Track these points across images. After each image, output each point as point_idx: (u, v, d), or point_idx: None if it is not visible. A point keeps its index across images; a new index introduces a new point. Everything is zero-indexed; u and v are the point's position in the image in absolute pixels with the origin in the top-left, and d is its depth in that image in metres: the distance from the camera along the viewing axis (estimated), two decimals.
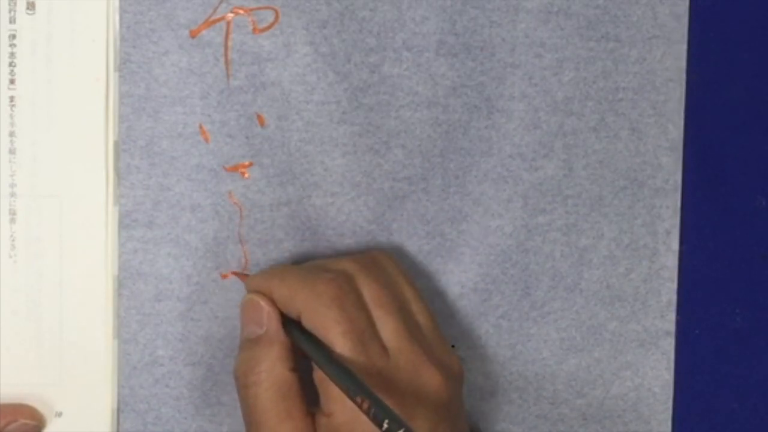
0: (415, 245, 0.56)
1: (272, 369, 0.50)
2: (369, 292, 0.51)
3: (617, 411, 0.58)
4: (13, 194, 0.52)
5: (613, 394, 0.58)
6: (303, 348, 0.50)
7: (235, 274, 0.54)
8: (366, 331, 0.50)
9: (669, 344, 0.59)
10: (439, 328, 0.53)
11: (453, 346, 0.57)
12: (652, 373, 0.58)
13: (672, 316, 0.59)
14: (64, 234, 0.53)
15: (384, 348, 0.50)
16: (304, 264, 0.54)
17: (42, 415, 0.53)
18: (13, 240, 0.53)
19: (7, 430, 0.52)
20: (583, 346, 0.58)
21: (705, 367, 0.59)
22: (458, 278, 0.57)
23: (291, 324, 0.50)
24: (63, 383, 0.53)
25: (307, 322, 0.50)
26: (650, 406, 0.59)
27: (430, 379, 0.50)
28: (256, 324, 0.51)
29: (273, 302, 0.51)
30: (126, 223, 0.53)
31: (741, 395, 0.60)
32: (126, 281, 0.53)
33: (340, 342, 0.49)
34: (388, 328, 0.50)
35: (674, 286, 0.58)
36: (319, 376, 0.49)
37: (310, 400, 0.50)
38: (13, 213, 0.52)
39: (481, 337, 0.57)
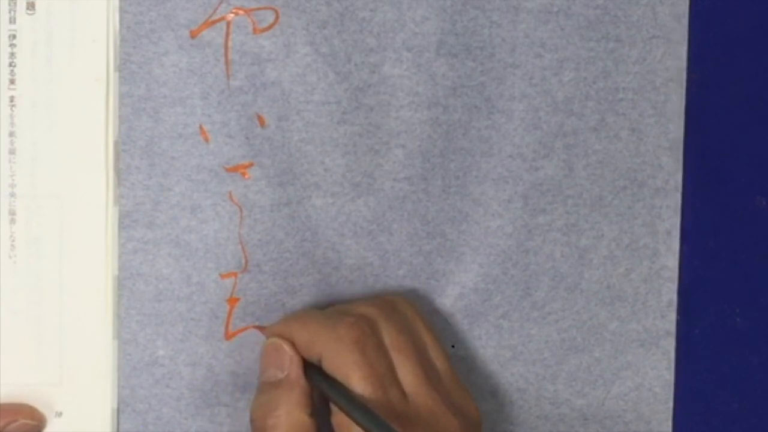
0: (415, 245, 0.56)
1: (291, 413, 0.50)
2: (389, 336, 0.51)
3: (618, 411, 0.58)
4: (13, 194, 0.52)
5: (614, 394, 0.58)
6: (323, 390, 0.50)
7: (256, 327, 0.54)
8: (386, 375, 0.50)
9: (669, 344, 0.59)
10: (457, 374, 0.53)
11: (453, 346, 0.57)
12: (653, 373, 0.58)
13: (672, 316, 0.59)
14: (64, 234, 0.53)
15: (403, 393, 0.50)
16: (325, 309, 0.54)
17: (42, 415, 0.53)
18: (13, 240, 0.52)
19: (7, 430, 0.52)
20: (583, 346, 0.58)
21: (705, 367, 0.59)
22: (458, 278, 0.57)
23: (311, 368, 0.51)
24: (63, 383, 0.53)
25: (328, 365, 0.50)
26: (651, 406, 0.58)
27: (448, 425, 0.51)
28: (278, 368, 0.51)
29: (295, 347, 0.51)
30: (126, 223, 0.53)
31: (741, 395, 0.60)
32: (126, 281, 0.53)
33: (361, 385, 0.49)
34: (407, 373, 0.51)
35: (674, 286, 0.58)
36: (337, 420, 0.50)
37: None
38: (13, 213, 0.52)
39: (481, 337, 0.57)
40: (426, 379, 0.51)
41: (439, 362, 0.53)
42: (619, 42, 0.57)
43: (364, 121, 0.55)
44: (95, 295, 0.53)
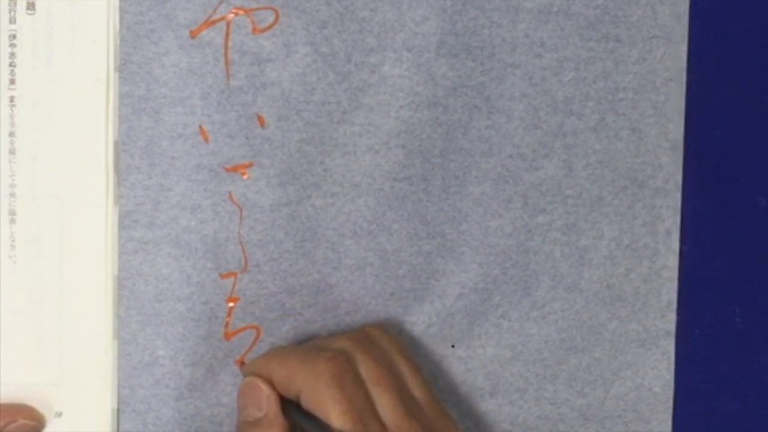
0: (415, 245, 0.56)
1: None
2: (367, 369, 0.51)
3: (617, 411, 0.58)
4: (13, 194, 0.52)
5: (614, 394, 0.58)
6: (303, 428, 0.50)
7: (239, 363, 0.54)
8: (365, 409, 0.50)
9: (669, 344, 0.59)
10: (439, 401, 0.53)
11: (453, 346, 0.57)
12: (653, 373, 0.58)
13: (672, 316, 0.59)
14: (64, 234, 0.53)
15: (383, 425, 0.50)
16: (302, 345, 0.54)
17: (42, 415, 0.53)
18: (13, 240, 0.52)
19: (7, 430, 0.52)
20: (583, 346, 0.58)
21: (705, 367, 0.59)
22: (458, 278, 0.57)
23: (290, 406, 0.51)
24: (63, 383, 0.53)
25: (307, 401, 0.50)
26: (650, 406, 0.59)
27: None
28: (256, 407, 0.51)
29: (272, 385, 0.51)
30: (126, 223, 0.53)
31: (741, 395, 0.60)
32: (126, 281, 0.53)
33: (340, 420, 0.49)
34: (386, 405, 0.51)
35: (674, 286, 0.58)
36: None
37: None
38: (13, 213, 0.52)
39: (481, 337, 0.57)
40: (405, 410, 0.51)
41: (419, 391, 0.53)
42: (619, 42, 0.57)
43: (364, 121, 0.55)
44: (95, 295, 0.53)
